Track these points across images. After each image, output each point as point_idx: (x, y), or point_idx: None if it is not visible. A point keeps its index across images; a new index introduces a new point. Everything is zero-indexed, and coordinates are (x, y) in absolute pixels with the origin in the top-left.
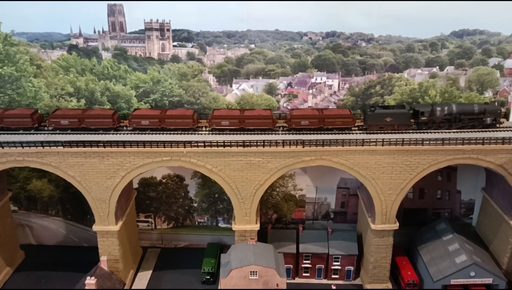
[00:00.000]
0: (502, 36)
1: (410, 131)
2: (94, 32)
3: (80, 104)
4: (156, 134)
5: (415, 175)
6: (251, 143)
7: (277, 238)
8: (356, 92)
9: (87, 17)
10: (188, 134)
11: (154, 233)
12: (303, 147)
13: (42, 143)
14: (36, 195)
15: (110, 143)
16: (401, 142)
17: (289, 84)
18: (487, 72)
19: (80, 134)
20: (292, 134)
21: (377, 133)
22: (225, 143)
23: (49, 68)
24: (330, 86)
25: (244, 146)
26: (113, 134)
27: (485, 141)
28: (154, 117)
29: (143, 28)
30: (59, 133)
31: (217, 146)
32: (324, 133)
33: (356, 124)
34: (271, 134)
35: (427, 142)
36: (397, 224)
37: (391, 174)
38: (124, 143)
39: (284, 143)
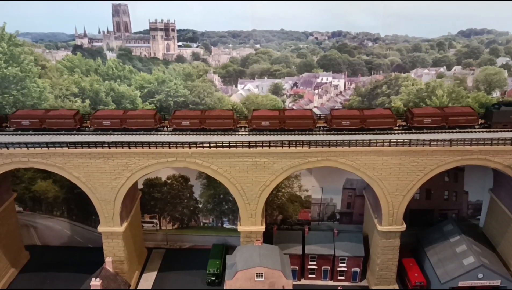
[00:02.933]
0: (510, 35)
1: None
2: (99, 32)
3: (85, 104)
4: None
5: (422, 176)
6: (257, 144)
7: (282, 239)
8: (362, 92)
9: (91, 17)
10: (195, 134)
11: (159, 234)
12: (309, 147)
13: (47, 144)
14: (41, 195)
15: (115, 144)
16: (408, 143)
17: (295, 84)
18: (495, 72)
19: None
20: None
21: (384, 134)
22: (231, 144)
23: (53, 69)
24: (336, 86)
25: (249, 146)
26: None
27: (493, 142)
28: (274, 118)
29: (148, 28)
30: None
31: (223, 146)
32: (331, 134)
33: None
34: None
35: (435, 143)
36: (404, 225)
37: (398, 175)
38: (129, 144)
39: (290, 143)
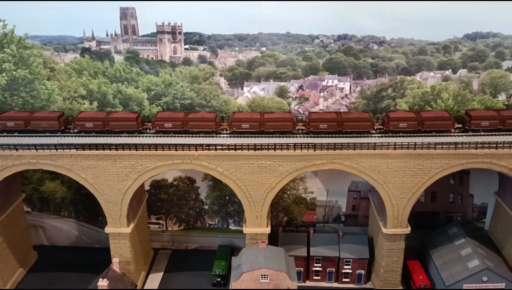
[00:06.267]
0: None
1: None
2: (107, 35)
3: (93, 106)
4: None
5: (427, 179)
6: (262, 147)
7: (287, 241)
8: (368, 95)
9: (99, 20)
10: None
11: (165, 235)
12: (315, 150)
13: (56, 146)
14: (49, 196)
15: (122, 146)
16: (413, 146)
17: (300, 87)
18: (501, 75)
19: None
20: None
21: (389, 137)
22: (236, 147)
23: (62, 71)
24: (342, 89)
25: (255, 149)
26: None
27: (498, 146)
28: (412, 119)
29: (155, 31)
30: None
31: (228, 149)
32: (336, 137)
33: None
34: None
35: (440, 146)
36: (409, 228)
37: (403, 178)
38: (136, 146)
39: (295, 146)
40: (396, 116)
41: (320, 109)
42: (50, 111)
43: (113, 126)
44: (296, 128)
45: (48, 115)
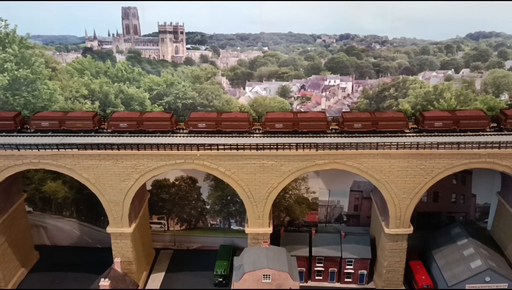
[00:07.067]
0: None
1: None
2: (109, 35)
3: (94, 106)
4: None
5: (430, 179)
6: (264, 146)
7: (289, 241)
8: (370, 94)
9: (101, 20)
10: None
11: (166, 234)
12: (317, 150)
13: (58, 146)
14: (50, 196)
15: (124, 146)
16: (416, 146)
17: (303, 87)
18: (503, 75)
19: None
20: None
21: (391, 136)
22: (238, 146)
23: (64, 71)
24: (344, 89)
25: (257, 149)
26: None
27: (501, 145)
28: (447, 118)
29: (157, 31)
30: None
31: (230, 149)
32: (337, 136)
33: None
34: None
35: (442, 146)
36: (411, 228)
37: (406, 178)
38: (138, 146)
39: (297, 146)
40: (431, 115)
41: (322, 109)
42: (84, 110)
43: (147, 126)
44: (330, 127)
45: (82, 115)
